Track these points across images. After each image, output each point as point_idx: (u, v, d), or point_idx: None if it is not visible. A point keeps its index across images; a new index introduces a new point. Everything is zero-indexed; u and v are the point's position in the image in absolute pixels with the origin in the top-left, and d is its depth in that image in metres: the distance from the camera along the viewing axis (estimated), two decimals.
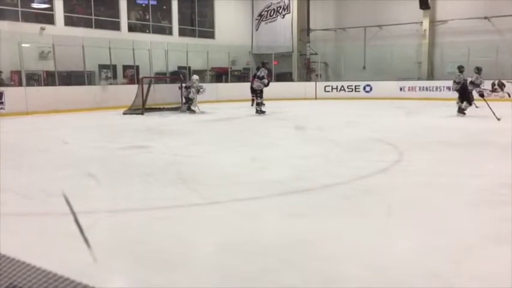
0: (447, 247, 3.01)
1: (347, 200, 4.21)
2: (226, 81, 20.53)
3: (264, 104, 12.92)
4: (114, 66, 17.37)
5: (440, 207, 3.95)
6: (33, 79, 15.51)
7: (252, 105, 15.34)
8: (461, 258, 2.86)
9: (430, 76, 20.04)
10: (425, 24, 20.11)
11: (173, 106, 14.03)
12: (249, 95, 15.74)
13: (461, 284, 2.52)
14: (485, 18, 18.60)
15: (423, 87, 18.67)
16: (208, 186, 4.82)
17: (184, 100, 13.89)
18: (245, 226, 3.50)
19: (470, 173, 5.28)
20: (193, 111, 13.53)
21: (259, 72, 13.15)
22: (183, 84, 14.21)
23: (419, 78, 19.79)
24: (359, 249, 3.00)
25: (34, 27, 15.48)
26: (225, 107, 15.65)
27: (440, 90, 17.94)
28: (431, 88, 18.45)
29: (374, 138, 8.06)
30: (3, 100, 13.12)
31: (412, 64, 20.27)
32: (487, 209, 3.81)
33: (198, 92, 13.71)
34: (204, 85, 14.46)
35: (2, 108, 13.02)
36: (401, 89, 18.81)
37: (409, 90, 18.80)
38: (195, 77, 14.17)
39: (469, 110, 11.49)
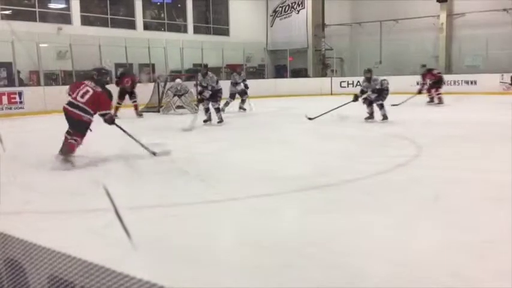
0: (469, 243, 2.97)
1: (367, 196, 4.18)
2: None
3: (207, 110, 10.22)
4: (130, 65, 17.50)
5: (462, 203, 3.90)
6: (51, 79, 15.72)
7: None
8: (484, 254, 2.82)
9: (448, 70, 19.77)
10: (443, 17, 19.83)
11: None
12: (263, 92, 15.48)
13: (483, 280, 2.49)
14: (504, 10, 18.26)
15: None
16: (227, 183, 4.84)
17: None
18: (265, 222, 3.50)
19: (491, 168, 5.19)
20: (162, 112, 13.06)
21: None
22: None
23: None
24: (380, 245, 2.98)
25: (51, 27, 15.68)
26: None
27: (459, 84, 17.69)
28: (449, 82, 18.07)
29: (392, 133, 7.99)
30: (22, 100, 13.31)
31: (429, 58, 19.95)
32: (509, 204, 3.74)
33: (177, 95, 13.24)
34: (188, 87, 13.36)
35: (21, 108, 13.22)
36: (418, 83, 18.54)
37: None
38: (178, 80, 13.68)
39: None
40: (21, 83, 14.42)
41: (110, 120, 6.19)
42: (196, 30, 20.90)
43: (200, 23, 21.38)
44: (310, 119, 9.90)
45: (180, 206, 4.02)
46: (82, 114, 5.87)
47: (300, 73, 22.11)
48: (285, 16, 23.12)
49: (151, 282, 0.84)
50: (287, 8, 23.02)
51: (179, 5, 20.61)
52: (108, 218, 3.49)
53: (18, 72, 14.37)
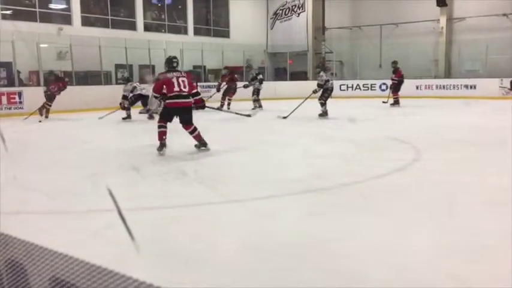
0: (467, 247, 2.97)
1: (365, 199, 4.19)
2: (241, 80, 20.53)
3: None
4: (130, 66, 17.51)
5: (460, 207, 3.90)
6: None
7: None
8: (481, 258, 2.81)
9: (447, 74, 19.82)
10: (443, 21, 19.87)
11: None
12: (262, 94, 15.25)
13: (483, 283, 2.49)
14: (504, 15, 18.32)
15: (440, 85, 18.44)
16: (226, 185, 4.84)
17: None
18: (264, 225, 3.50)
19: (489, 172, 5.20)
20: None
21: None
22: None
23: (436, 77, 19.57)
24: (378, 248, 2.98)
25: (52, 28, 15.68)
26: (240, 105, 15.62)
27: (458, 89, 17.74)
28: (448, 86, 18.22)
29: (391, 137, 7.98)
30: (22, 100, 13.31)
31: (428, 62, 20.06)
32: (507, 208, 3.74)
33: None
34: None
35: (21, 108, 13.21)
36: (417, 88, 18.61)
37: (425, 88, 18.61)
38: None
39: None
40: (21, 83, 14.41)
41: (203, 105, 7.13)
42: (197, 32, 20.92)
43: (200, 24, 21.40)
44: (284, 117, 10.91)
45: (180, 208, 4.02)
46: (189, 100, 6.66)
47: (299, 76, 22.12)
48: (285, 19, 23.16)
49: (153, 284, 0.84)
50: (287, 10, 23.06)
51: (180, 7, 20.64)
52: (109, 219, 3.50)
53: (18, 72, 14.36)
